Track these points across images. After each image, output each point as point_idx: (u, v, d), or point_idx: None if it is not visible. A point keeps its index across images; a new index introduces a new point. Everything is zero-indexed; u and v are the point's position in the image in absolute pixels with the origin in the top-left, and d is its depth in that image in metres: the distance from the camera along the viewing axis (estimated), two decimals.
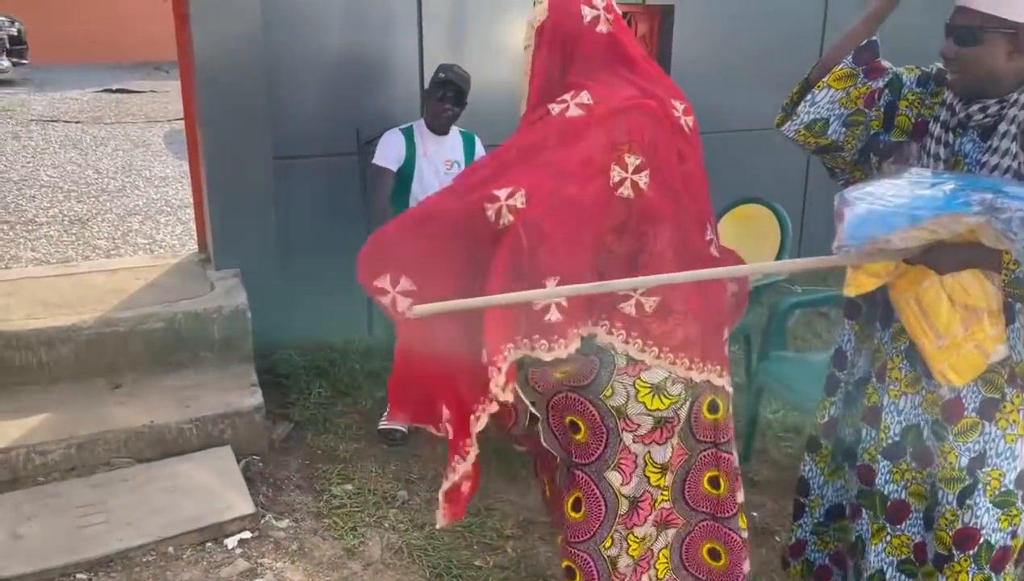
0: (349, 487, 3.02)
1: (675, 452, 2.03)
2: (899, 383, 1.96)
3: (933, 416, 1.92)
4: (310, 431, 3.36)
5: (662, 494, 2.05)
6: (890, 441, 1.98)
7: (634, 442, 1.98)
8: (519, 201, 1.78)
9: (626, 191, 1.84)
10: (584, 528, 2.02)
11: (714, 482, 2.09)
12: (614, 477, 1.98)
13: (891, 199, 1.68)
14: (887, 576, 2.02)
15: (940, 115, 1.88)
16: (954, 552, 1.91)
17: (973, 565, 1.91)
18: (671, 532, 2.11)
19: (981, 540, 1.89)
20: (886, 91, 1.95)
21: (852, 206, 1.69)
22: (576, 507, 2.04)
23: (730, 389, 2.03)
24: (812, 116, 1.97)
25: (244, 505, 2.79)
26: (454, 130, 3.60)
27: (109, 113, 9.77)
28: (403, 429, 3.32)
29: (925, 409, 1.94)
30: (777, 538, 2.83)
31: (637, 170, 1.85)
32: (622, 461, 1.98)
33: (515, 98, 4.32)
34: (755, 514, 2.94)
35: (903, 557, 2.01)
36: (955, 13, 1.78)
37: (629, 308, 1.87)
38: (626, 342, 1.87)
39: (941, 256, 1.70)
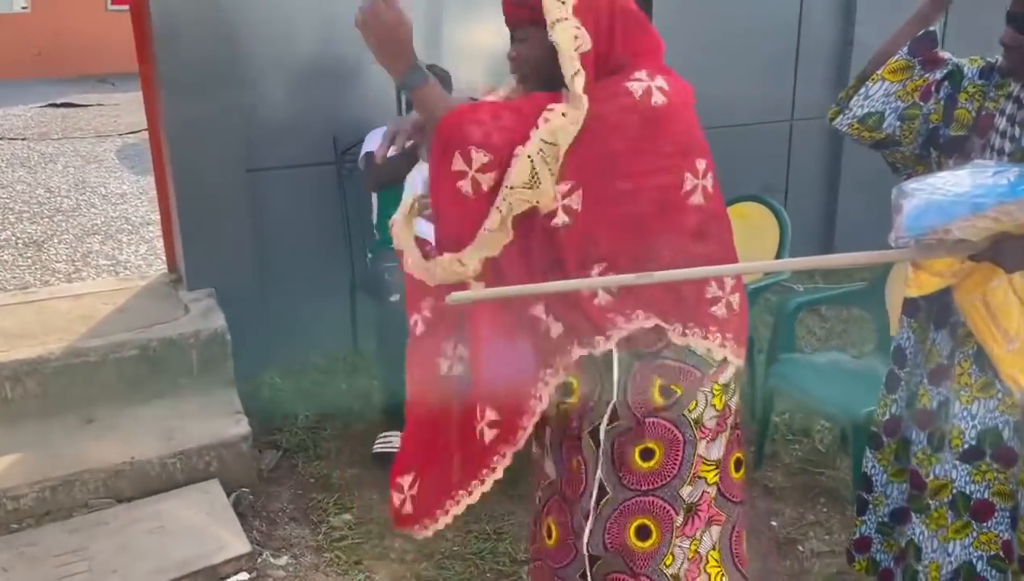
0: (348, 517, 2.84)
1: (725, 445, 1.89)
2: (970, 389, 1.87)
3: (1015, 417, 1.84)
4: (300, 458, 3.17)
5: (712, 491, 1.92)
6: (966, 446, 1.89)
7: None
8: (575, 202, 1.62)
9: (698, 198, 1.70)
10: (652, 554, 1.84)
11: (738, 464, 1.97)
12: (686, 491, 1.83)
13: (951, 189, 1.59)
14: (978, 569, 1.94)
15: (1006, 108, 1.79)
16: None
17: None
18: (715, 530, 1.96)
19: None
20: (945, 83, 1.87)
21: (910, 198, 1.61)
22: (642, 535, 1.84)
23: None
24: (866, 110, 1.92)
25: (238, 543, 2.60)
26: None
27: (56, 128, 9.38)
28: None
29: (1003, 411, 1.85)
30: (800, 548, 2.73)
31: (704, 174, 1.72)
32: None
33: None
34: (774, 523, 2.83)
35: (992, 553, 1.94)
36: (1015, 0, 1.69)
37: (720, 310, 1.74)
38: (723, 345, 1.73)
39: (1010, 251, 1.60)
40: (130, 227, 5.53)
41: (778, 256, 3.29)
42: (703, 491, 1.87)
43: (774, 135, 4.91)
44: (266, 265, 3.68)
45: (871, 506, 2.20)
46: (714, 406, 1.80)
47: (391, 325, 3.15)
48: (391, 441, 3.16)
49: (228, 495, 2.85)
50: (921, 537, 2.00)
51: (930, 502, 1.97)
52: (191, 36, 3.33)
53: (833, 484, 3.00)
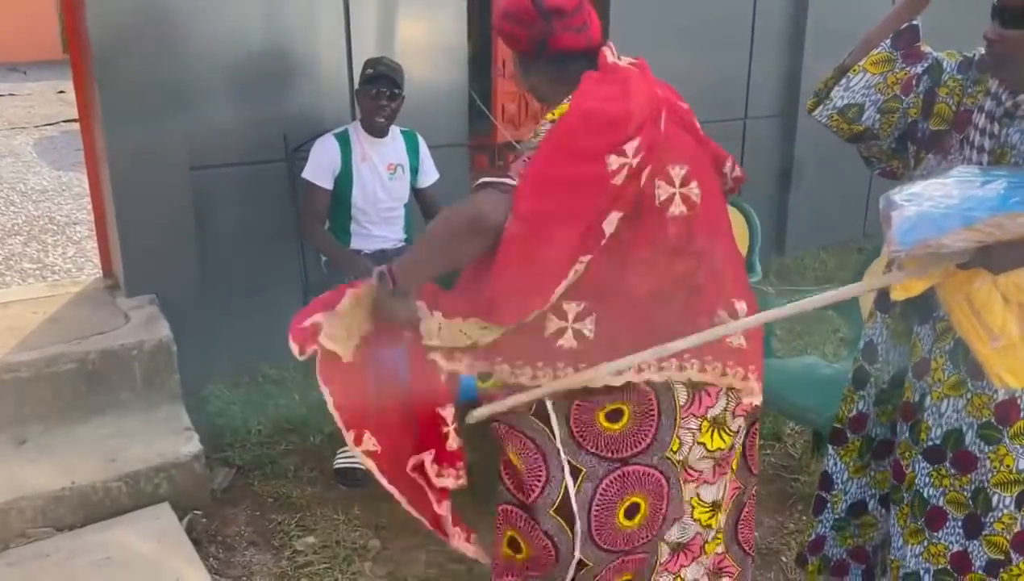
0: (312, 540, 2.66)
1: (728, 488, 1.80)
2: (941, 385, 1.85)
3: (981, 419, 1.82)
4: (256, 476, 2.97)
5: (716, 537, 1.81)
6: (930, 443, 1.87)
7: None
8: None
9: (677, 209, 1.60)
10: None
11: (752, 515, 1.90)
12: (671, 533, 1.74)
13: (941, 200, 1.59)
14: None
15: (985, 104, 1.77)
16: (1012, 556, 1.84)
17: None
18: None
19: None
20: (925, 77, 1.85)
21: (899, 209, 1.60)
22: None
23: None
24: (846, 101, 1.89)
25: (195, 574, 2.40)
26: (394, 130, 3.29)
27: None
28: (362, 466, 2.97)
29: (970, 413, 1.83)
30: (783, 558, 2.67)
31: (685, 182, 1.61)
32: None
33: (455, 91, 4.06)
34: (755, 533, 2.77)
35: (940, 566, 1.91)
36: None
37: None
38: (703, 371, 1.63)
39: (995, 255, 1.60)
40: (55, 227, 5.18)
41: (748, 258, 3.24)
42: (696, 533, 1.80)
43: (727, 133, 4.88)
44: (212, 269, 3.46)
45: (829, 504, 2.17)
46: (703, 444, 1.70)
47: None
48: (354, 455, 2.98)
49: (180, 519, 2.64)
50: (893, 529, 1.99)
51: (904, 495, 1.97)
52: (129, 25, 3.09)
53: (809, 491, 2.95)
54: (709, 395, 1.68)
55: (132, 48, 3.11)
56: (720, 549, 1.87)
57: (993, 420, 1.80)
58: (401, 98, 3.19)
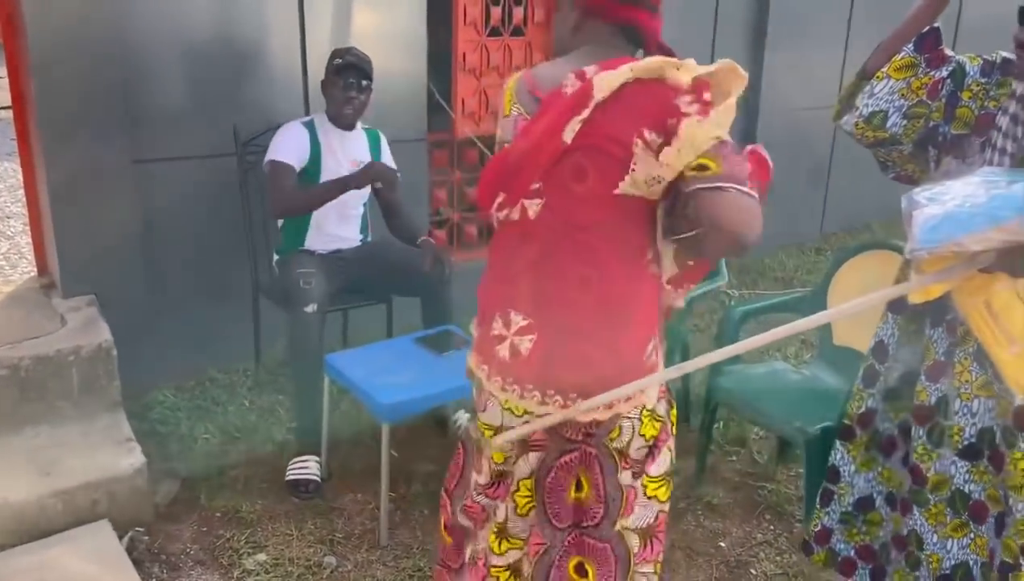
0: (263, 557, 2.52)
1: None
2: (971, 386, 1.85)
3: (1007, 421, 1.83)
4: (202, 488, 2.81)
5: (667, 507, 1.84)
6: (966, 443, 1.87)
7: (633, 478, 1.73)
8: None
9: None
10: None
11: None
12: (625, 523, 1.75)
13: (966, 199, 1.56)
14: (973, 573, 1.93)
15: (1009, 108, 1.76)
16: (1022, 562, 1.84)
17: None
18: None
19: None
20: (948, 81, 1.84)
21: (923, 209, 1.57)
22: (580, 571, 1.78)
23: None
24: (871, 108, 1.89)
25: None
26: (358, 126, 3.16)
27: None
28: (316, 477, 2.84)
29: (998, 414, 1.84)
30: (753, 571, 2.60)
31: None
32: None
33: (413, 85, 3.90)
34: (722, 544, 2.70)
35: (984, 560, 1.93)
36: None
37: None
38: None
39: (1016, 258, 1.59)
40: None
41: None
42: (657, 512, 1.79)
43: None
44: (155, 268, 3.28)
45: (836, 496, 2.20)
46: (643, 436, 1.71)
47: (305, 338, 2.85)
48: (307, 466, 2.85)
49: (120, 537, 2.48)
50: (923, 529, 1.99)
51: (930, 496, 1.96)
52: (69, 8, 2.90)
53: (776, 499, 2.90)
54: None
55: (71, 32, 2.92)
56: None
57: (1011, 424, 1.83)
58: (370, 90, 3.07)
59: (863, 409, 2.12)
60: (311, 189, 2.99)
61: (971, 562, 1.94)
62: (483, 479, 1.81)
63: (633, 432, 1.70)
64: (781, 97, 5.06)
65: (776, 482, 3.00)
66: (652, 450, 1.74)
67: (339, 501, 2.81)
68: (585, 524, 1.76)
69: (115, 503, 2.56)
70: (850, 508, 2.18)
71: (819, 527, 2.25)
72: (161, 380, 3.30)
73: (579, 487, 1.75)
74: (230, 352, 3.47)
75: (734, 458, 3.16)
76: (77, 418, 2.80)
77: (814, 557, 2.27)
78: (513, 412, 1.69)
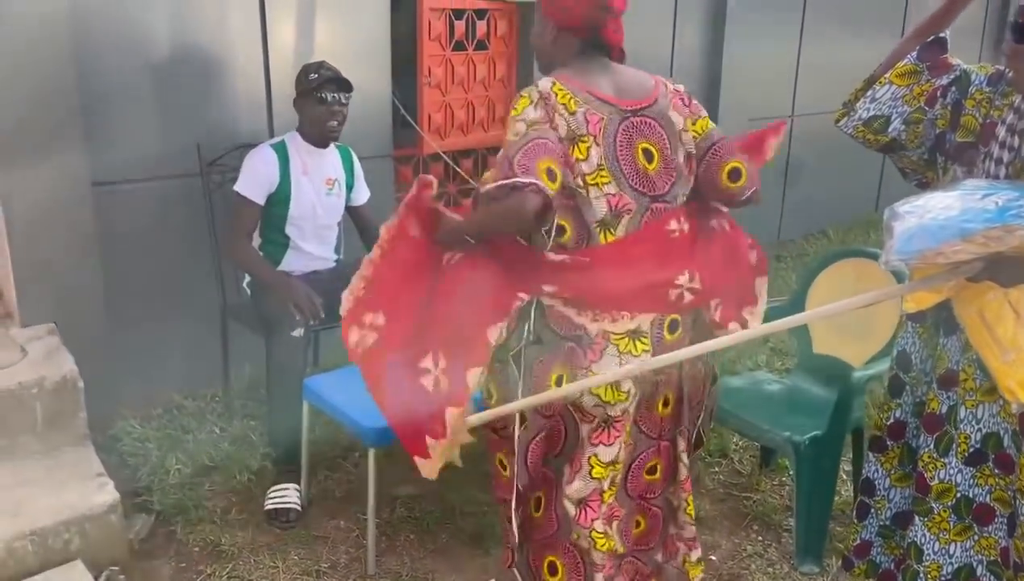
0: None
1: (623, 448, 1.97)
2: (975, 393, 1.89)
3: (1012, 425, 1.87)
4: (178, 522, 2.70)
5: (610, 489, 1.97)
6: (972, 450, 1.90)
7: (590, 442, 1.92)
8: None
9: None
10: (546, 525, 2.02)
11: (652, 469, 2.09)
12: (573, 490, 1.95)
13: (940, 212, 1.62)
14: (977, 573, 1.96)
15: (1008, 118, 1.79)
16: None
17: None
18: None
19: None
20: (952, 88, 1.88)
21: (901, 220, 1.63)
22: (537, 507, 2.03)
23: None
24: (871, 112, 1.93)
25: None
26: (330, 144, 3.10)
27: None
28: (296, 506, 2.75)
29: (1004, 418, 1.88)
30: None
31: None
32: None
33: (378, 100, 3.84)
34: (713, 557, 2.69)
35: (991, 558, 1.95)
36: (1020, 9, 1.68)
37: None
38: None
39: (1004, 269, 1.64)
40: None
41: None
42: (593, 489, 1.94)
43: None
44: (118, 293, 3.14)
45: (873, 510, 2.21)
46: (596, 395, 1.84)
47: (290, 362, 2.77)
48: (286, 495, 2.76)
49: (96, 578, 2.36)
50: (923, 539, 2.01)
51: (933, 505, 1.99)
52: (20, 24, 2.76)
53: (762, 509, 2.91)
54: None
55: (23, 56, 2.77)
56: (612, 500, 2.00)
57: (1016, 428, 1.86)
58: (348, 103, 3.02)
59: (892, 420, 2.13)
60: (255, 259, 2.97)
61: (975, 563, 1.96)
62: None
63: None
64: (739, 104, 5.12)
65: (761, 491, 3.01)
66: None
67: (322, 529, 2.73)
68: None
69: (88, 542, 2.43)
70: (888, 522, 2.19)
71: (858, 541, 2.26)
72: (126, 409, 3.17)
73: None
74: (197, 378, 3.36)
75: (716, 469, 3.16)
76: (42, 453, 2.66)
77: (855, 570, 2.28)
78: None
